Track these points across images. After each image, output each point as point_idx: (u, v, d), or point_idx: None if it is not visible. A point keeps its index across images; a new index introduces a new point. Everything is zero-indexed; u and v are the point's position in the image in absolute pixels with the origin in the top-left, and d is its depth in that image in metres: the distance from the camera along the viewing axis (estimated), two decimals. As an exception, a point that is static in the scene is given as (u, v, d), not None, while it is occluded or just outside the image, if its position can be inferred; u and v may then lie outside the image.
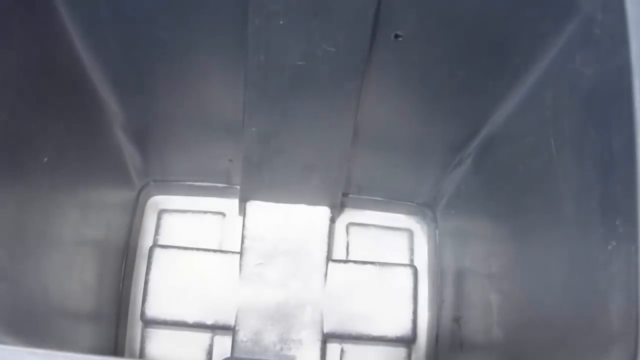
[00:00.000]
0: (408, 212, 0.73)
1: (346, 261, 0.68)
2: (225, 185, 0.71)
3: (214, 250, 0.68)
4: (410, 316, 0.66)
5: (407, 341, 0.67)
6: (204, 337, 0.68)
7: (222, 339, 0.68)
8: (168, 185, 0.72)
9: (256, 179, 0.64)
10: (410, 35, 0.47)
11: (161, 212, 0.72)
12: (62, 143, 0.49)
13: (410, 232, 0.73)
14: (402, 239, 0.72)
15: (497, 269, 0.55)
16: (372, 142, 0.61)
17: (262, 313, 0.65)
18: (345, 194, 0.70)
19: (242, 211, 0.68)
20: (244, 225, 0.67)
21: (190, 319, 0.65)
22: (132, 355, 0.67)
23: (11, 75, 0.41)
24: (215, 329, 0.66)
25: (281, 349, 0.64)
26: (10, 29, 0.41)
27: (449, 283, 0.67)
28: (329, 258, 0.67)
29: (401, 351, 0.68)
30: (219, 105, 0.58)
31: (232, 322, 0.65)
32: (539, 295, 0.46)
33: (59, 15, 0.46)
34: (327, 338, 0.66)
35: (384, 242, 0.72)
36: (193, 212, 0.72)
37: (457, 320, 0.63)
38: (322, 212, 0.68)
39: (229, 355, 0.66)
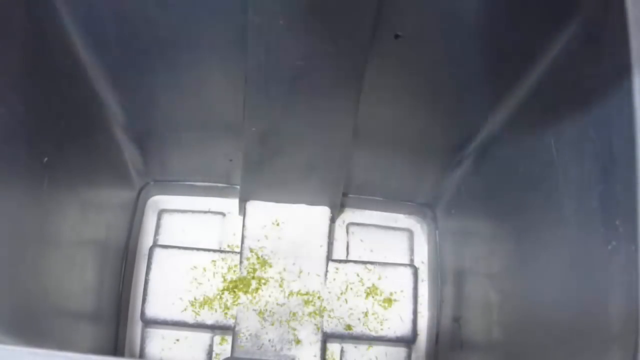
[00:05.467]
0: (408, 212, 0.73)
1: (346, 261, 0.68)
2: (225, 185, 0.71)
3: (214, 250, 0.68)
4: (410, 316, 0.66)
5: (407, 341, 0.67)
6: (204, 337, 0.68)
7: (222, 339, 0.68)
8: (168, 185, 0.72)
9: (256, 179, 0.64)
10: (410, 35, 0.47)
11: (161, 212, 0.72)
12: (62, 143, 0.49)
13: (410, 232, 0.73)
14: (402, 239, 0.72)
15: (497, 269, 0.55)
16: (372, 142, 0.61)
17: (262, 313, 0.65)
18: (345, 194, 0.70)
19: (242, 211, 0.68)
20: (244, 225, 0.67)
21: (190, 319, 0.65)
22: (132, 355, 0.67)
23: (11, 75, 0.41)
24: (215, 329, 0.66)
25: (281, 349, 0.64)
26: (10, 29, 0.41)
27: (449, 283, 0.67)
28: (329, 258, 0.67)
29: (401, 351, 0.68)
30: (219, 105, 0.58)
31: (232, 322, 0.65)
32: (539, 295, 0.46)
33: (59, 15, 0.46)
34: (327, 338, 0.66)
35: (384, 242, 0.72)
36: (193, 212, 0.72)
37: (457, 320, 0.63)
38: (322, 212, 0.68)
39: (229, 355, 0.66)
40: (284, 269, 0.66)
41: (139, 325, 0.68)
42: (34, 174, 0.45)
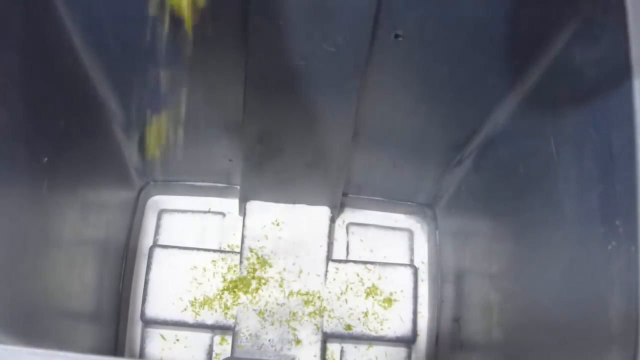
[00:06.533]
0: (408, 212, 0.73)
1: (346, 261, 0.68)
2: (225, 185, 0.71)
3: (214, 250, 0.68)
4: (410, 316, 0.66)
5: (407, 341, 0.67)
6: (204, 337, 0.68)
7: (222, 339, 0.68)
8: (168, 185, 0.72)
9: (256, 179, 0.64)
10: (410, 35, 0.47)
11: (161, 212, 0.72)
12: (62, 143, 0.49)
13: (410, 232, 0.73)
14: (402, 239, 0.72)
15: (497, 269, 0.55)
16: (372, 142, 0.61)
17: (262, 313, 0.65)
18: (345, 194, 0.70)
19: (242, 211, 0.68)
20: (244, 225, 0.67)
21: (190, 319, 0.65)
22: (132, 355, 0.67)
23: (12, 76, 0.41)
24: (215, 329, 0.66)
25: (281, 348, 0.64)
26: (10, 29, 0.41)
27: (449, 283, 0.67)
28: (329, 258, 0.67)
29: (401, 351, 0.68)
30: (219, 105, 0.58)
31: (232, 322, 0.65)
32: (539, 295, 0.46)
33: (59, 15, 0.46)
34: (327, 338, 0.66)
35: (384, 242, 0.72)
36: (193, 212, 0.72)
37: (457, 320, 0.63)
38: (322, 212, 0.68)
39: (229, 355, 0.66)
40: (284, 269, 0.66)
41: (139, 325, 0.68)
42: (34, 174, 0.45)
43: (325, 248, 0.67)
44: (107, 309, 0.64)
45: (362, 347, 0.68)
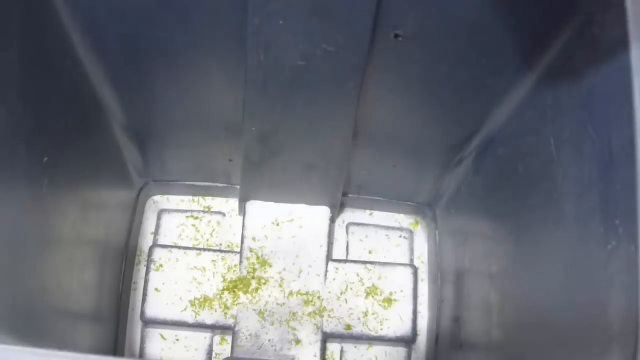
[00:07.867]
0: (408, 212, 0.73)
1: (346, 261, 0.68)
2: (225, 185, 0.71)
3: (214, 250, 0.68)
4: (410, 316, 0.66)
5: (407, 341, 0.67)
6: (204, 337, 0.68)
7: (222, 339, 0.68)
8: (168, 185, 0.72)
9: (256, 179, 0.64)
10: (410, 35, 0.47)
11: (161, 212, 0.72)
12: (62, 143, 0.49)
13: (410, 232, 0.73)
14: (402, 239, 0.72)
15: (497, 269, 0.55)
16: (372, 142, 0.61)
17: (262, 313, 0.65)
18: (345, 194, 0.70)
19: (242, 211, 0.68)
20: (244, 225, 0.67)
21: (190, 319, 0.65)
22: (132, 355, 0.67)
23: (11, 75, 0.41)
24: (215, 329, 0.66)
25: (281, 348, 0.64)
26: (10, 29, 0.41)
27: (449, 283, 0.67)
28: (329, 258, 0.67)
29: (401, 351, 0.68)
30: (219, 105, 0.58)
31: (232, 322, 0.65)
32: (539, 295, 0.46)
33: (58, 15, 0.46)
34: (327, 338, 0.66)
35: (384, 242, 0.72)
36: (193, 212, 0.72)
37: (457, 320, 0.63)
38: (322, 212, 0.68)
39: (229, 355, 0.66)
40: (284, 269, 0.66)
41: (139, 325, 0.68)
42: (34, 174, 0.45)
43: (325, 248, 0.67)
44: (107, 309, 0.64)
45: (362, 347, 0.68)
